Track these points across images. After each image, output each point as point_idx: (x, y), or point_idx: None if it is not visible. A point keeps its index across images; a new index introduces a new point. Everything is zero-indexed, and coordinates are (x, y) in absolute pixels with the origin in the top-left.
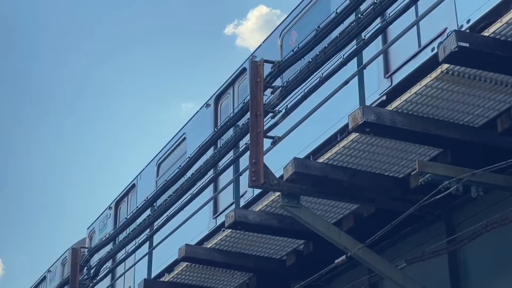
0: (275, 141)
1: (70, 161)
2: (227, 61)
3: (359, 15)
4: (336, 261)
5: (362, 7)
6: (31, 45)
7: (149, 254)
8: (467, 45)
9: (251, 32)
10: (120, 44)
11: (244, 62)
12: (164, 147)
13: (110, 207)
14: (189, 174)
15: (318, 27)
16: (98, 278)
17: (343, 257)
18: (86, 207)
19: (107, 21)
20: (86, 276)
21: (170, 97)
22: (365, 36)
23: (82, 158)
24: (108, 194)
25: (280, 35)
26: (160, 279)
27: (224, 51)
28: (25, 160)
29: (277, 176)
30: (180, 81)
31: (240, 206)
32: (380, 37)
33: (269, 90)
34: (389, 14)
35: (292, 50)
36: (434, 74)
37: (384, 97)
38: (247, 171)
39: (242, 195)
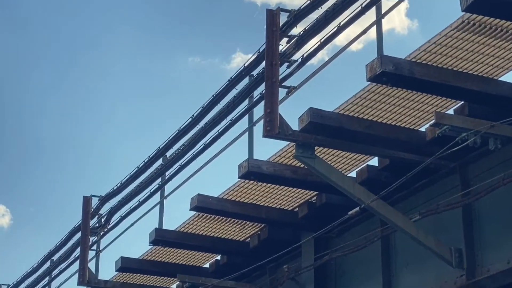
0: (290, 91)
1: (79, 115)
2: (233, 15)
3: None
4: (349, 212)
5: None
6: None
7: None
8: None
9: None
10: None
11: None
12: None
13: None
14: None
15: None
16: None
17: (357, 208)
18: (94, 161)
19: None
20: (97, 225)
21: (176, 51)
22: None
23: (90, 112)
24: (115, 149)
25: None
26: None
27: (230, 5)
28: (38, 112)
29: None
30: (186, 35)
31: None
32: None
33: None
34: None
35: None
36: (454, 24)
37: None
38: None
39: None
